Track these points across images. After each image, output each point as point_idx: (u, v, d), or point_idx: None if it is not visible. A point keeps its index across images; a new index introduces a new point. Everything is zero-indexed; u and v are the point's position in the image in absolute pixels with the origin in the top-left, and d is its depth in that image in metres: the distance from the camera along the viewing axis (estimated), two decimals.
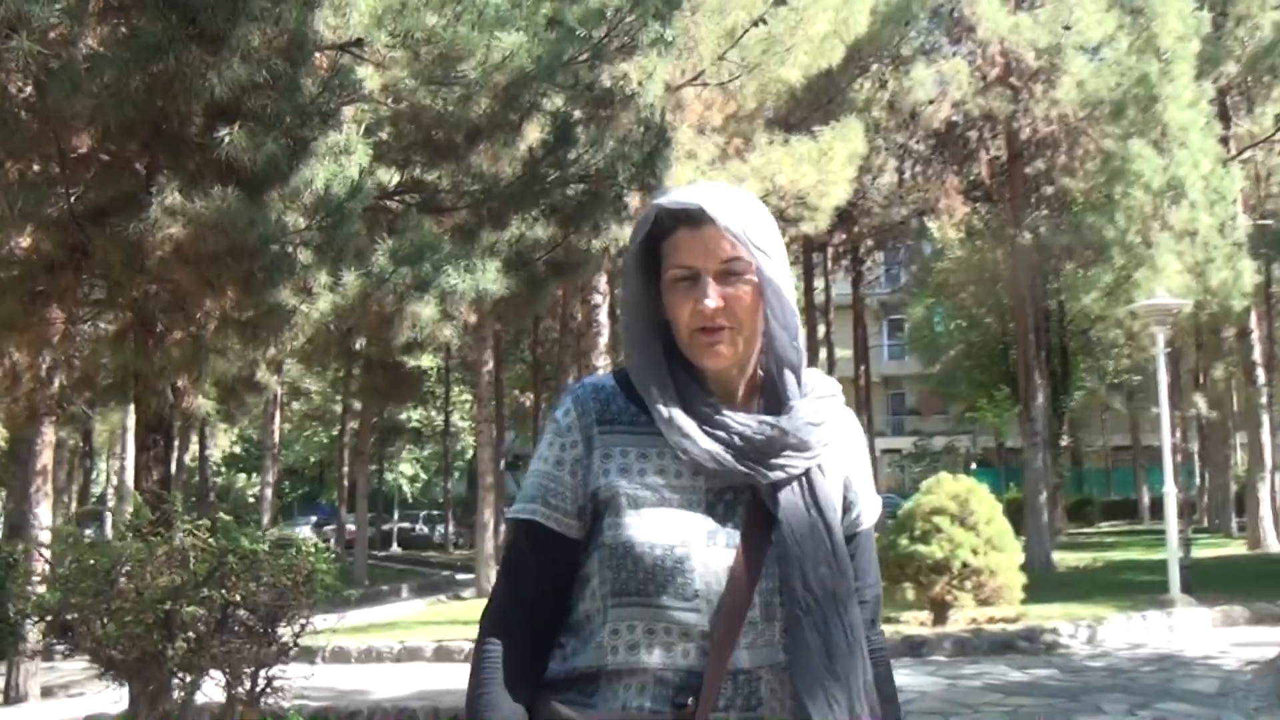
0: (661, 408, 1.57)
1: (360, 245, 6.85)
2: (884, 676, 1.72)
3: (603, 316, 13.91)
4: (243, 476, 46.14)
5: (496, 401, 24.61)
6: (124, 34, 5.96)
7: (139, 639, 5.77)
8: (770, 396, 1.62)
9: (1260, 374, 22.85)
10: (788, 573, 1.54)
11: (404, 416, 40.94)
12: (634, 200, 8.86)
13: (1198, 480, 33.54)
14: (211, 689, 6.44)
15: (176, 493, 6.65)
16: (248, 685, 6.27)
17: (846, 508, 1.69)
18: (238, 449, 43.53)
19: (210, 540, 5.89)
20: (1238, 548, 22.84)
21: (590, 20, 7.98)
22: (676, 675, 1.53)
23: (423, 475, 49.30)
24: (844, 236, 26.68)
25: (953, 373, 38.30)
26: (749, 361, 1.62)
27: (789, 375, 1.62)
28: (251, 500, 36.27)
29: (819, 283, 31.27)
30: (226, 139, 5.87)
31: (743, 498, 1.58)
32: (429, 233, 7.31)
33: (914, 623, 12.20)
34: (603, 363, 13.87)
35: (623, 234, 9.94)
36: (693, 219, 1.56)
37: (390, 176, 8.58)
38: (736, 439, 1.55)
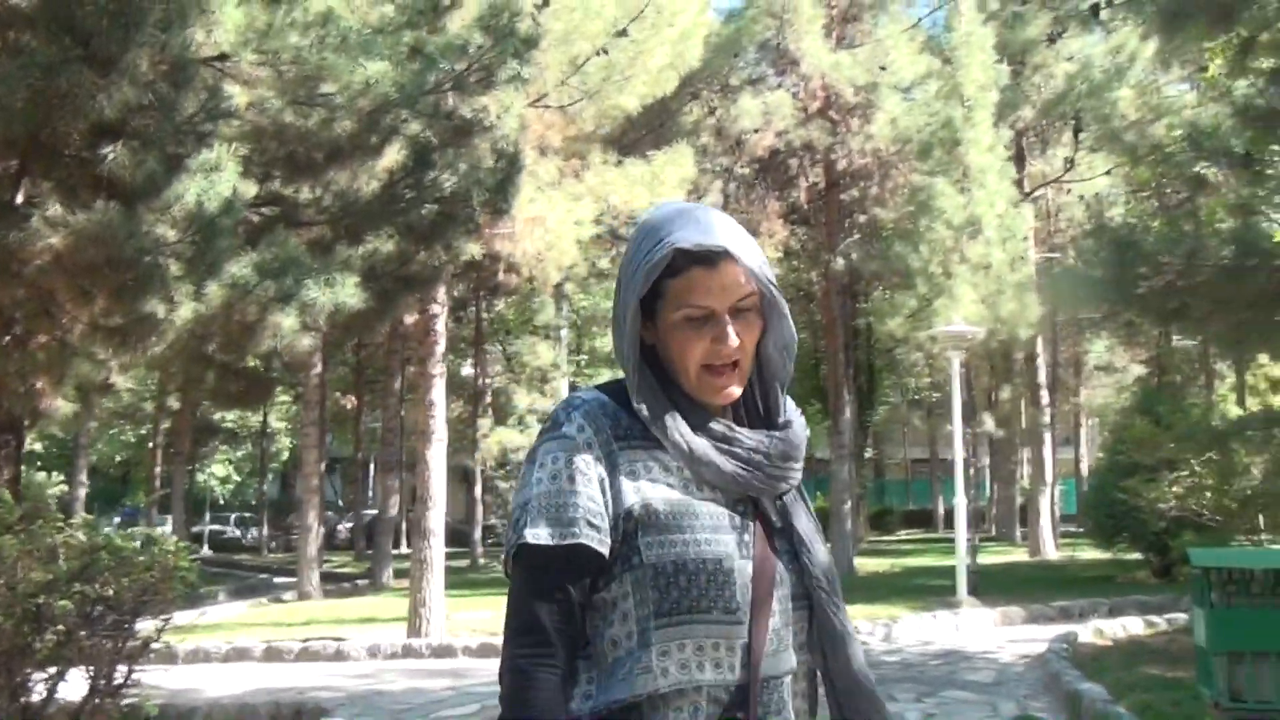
0: (677, 438, 1.57)
1: (229, 258, 7.19)
2: None
3: (440, 325, 14.30)
4: (42, 474, 44.18)
5: (321, 404, 24.53)
6: (8, 49, 6.19)
7: (8, 633, 6.00)
8: (751, 411, 1.67)
9: (1044, 396, 24.78)
10: (813, 574, 1.60)
11: (218, 416, 40.06)
12: (483, 220, 9.38)
13: (987, 492, 35.82)
14: (69, 685, 6.69)
15: (50, 490, 6.85)
16: (109, 680, 6.55)
17: None
18: (38, 445, 41.72)
19: (81, 536, 6.17)
20: (1020, 555, 24.66)
21: (451, 53, 8.49)
22: (726, 691, 1.52)
23: (235, 477, 48.17)
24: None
25: None
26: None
27: (780, 392, 1.68)
28: (53, 499, 34.89)
29: None
30: (110, 156, 6.18)
31: (750, 509, 1.61)
32: (295, 248, 7.69)
33: None
34: (439, 370, 14.25)
35: (470, 249, 10.47)
36: (710, 259, 1.56)
37: (249, 189, 8.87)
38: (752, 454, 1.59)
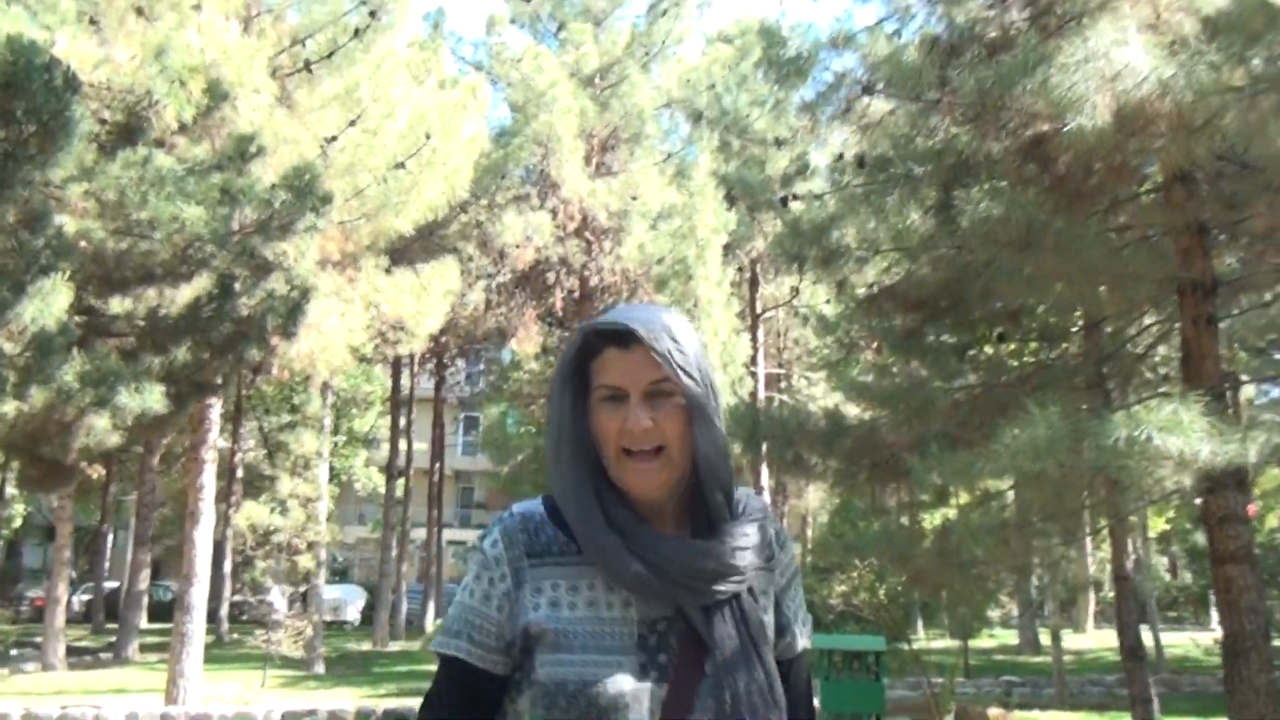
0: (585, 530, 1.55)
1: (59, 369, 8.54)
2: None
3: (214, 414, 15.54)
4: None
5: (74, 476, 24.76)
6: None
7: None
8: (699, 518, 1.60)
9: (766, 497, 27.56)
10: (720, 708, 1.51)
11: None
12: (276, 339, 10.94)
13: None
14: None
15: None
16: None
17: (780, 631, 1.67)
18: None
19: None
20: None
21: (257, 200, 10.11)
22: None
23: None
24: (431, 344, 29.26)
25: (519, 473, 41.27)
26: (677, 483, 1.59)
27: (718, 497, 1.59)
28: None
29: (405, 380, 33.51)
30: None
31: (675, 627, 1.55)
32: (112, 361, 9.08)
33: None
34: (210, 455, 15.45)
35: (257, 356, 11.92)
36: (621, 340, 1.56)
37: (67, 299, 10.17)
38: (662, 562, 1.52)
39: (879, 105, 7.55)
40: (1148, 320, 7.89)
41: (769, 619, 1.64)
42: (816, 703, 9.45)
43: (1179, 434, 4.90)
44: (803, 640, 1.71)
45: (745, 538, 1.59)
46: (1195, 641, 19.27)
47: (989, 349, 8.40)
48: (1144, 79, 5.58)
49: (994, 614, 24.38)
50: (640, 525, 1.56)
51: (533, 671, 1.55)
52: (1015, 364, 8.16)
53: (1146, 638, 18.97)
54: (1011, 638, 27.13)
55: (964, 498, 13.58)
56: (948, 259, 7.12)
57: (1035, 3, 7.19)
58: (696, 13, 25.68)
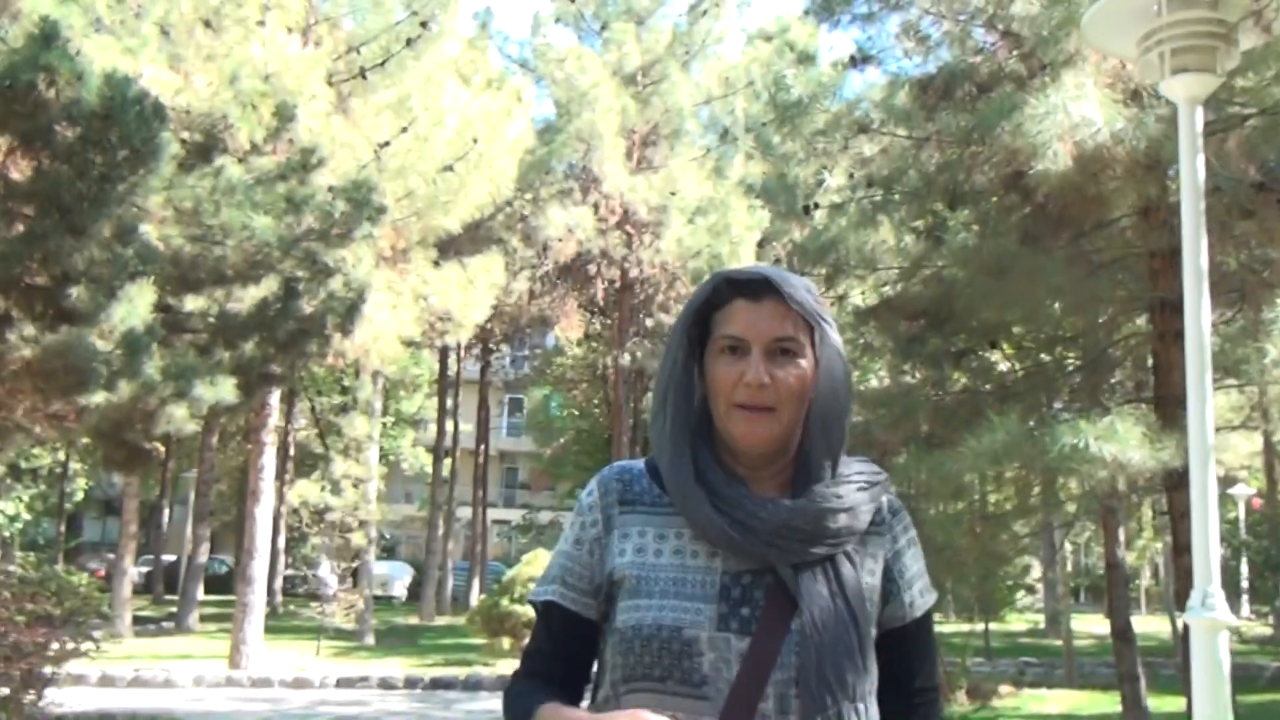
0: (676, 480, 1.56)
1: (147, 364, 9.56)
2: None
3: (274, 400, 16.60)
4: None
5: None
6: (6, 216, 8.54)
7: None
8: (800, 480, 1.57)
9: None
10: (805, 664, 1.47)
11: (14, 454, 40.16)
12: (336, 336, 11.93)
13: None
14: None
15: None
16: (29, 696, 8.75)
17: (887, 598, 1.62)
18: None
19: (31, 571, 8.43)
20: None
21: (319, 211, 11.08)
22: None
23: (25, 516, 47.77)
24: (478, 329, 30.30)
25: (562, 455, 42.35)
26: (787, 442, 1.58)
27: (823, 458, 1.57)
28: None
29: (451, 363, 34.57)
30: (74, 294, 8.59)
31: (762, 581, 1.53)
32: (190, 357, 10.10)
33: (509, 668, 15.77)
34: (270, 438, 16.51)
35: (317, 351, 12.90)
36: (753, 291, 1.56)
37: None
38: (749, 520, 1.51)
39: (879, 139, 8.37)
40: (1124, 333, 8.65)
41: (873, 583, 1.59)
42: None
43: (1113, 442, 5.70)
44: (921, 604, 1.67)
45: (839, 500, 1.55)
46: None
47: (993, 354, 9.19)
48: (1098, 130, 6.37)
49: (1023, 598, 25.16)
50: (732, 483, 1.56)
51: (614, 618, 1.56)
52: (1007, 370, 8.94)
53: (1166, 623, 19.67)
54: (1042, 621, 27.93)
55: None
56: (936, 277, 7.93)
57: (1020, 47, 7.97)
58: (736, 12, 26.34)
